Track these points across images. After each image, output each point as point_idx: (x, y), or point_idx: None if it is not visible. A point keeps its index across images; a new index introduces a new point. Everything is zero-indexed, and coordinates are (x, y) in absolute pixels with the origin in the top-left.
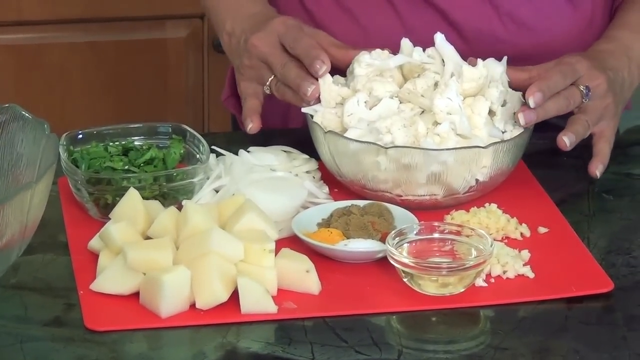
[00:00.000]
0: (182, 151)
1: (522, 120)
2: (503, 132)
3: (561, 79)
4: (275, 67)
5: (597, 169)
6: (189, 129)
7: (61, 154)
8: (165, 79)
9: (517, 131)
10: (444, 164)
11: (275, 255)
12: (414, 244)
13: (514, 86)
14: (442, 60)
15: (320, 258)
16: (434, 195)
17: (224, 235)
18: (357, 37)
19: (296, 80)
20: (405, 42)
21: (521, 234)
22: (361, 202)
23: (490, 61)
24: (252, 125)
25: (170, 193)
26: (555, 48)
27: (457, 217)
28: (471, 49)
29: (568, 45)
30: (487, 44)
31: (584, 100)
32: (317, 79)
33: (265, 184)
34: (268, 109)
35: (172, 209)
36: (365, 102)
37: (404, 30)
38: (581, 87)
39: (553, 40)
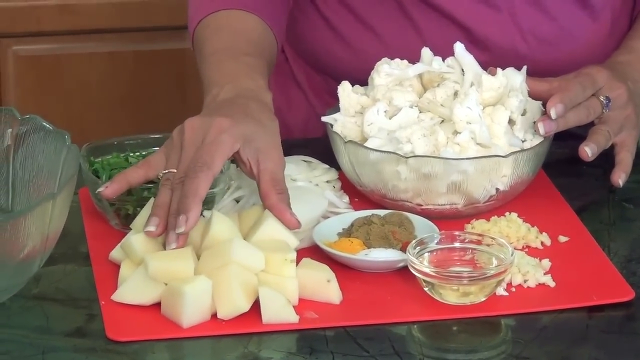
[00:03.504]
0: None
1: (542, 130)
2: (523, 141)
3: (581, 90)
4: (179, 169)
5: (619, 177)
6: None
7: (82, 164)
8: (184, 89)
9: (537, 140)
10: (464, 173)
11: (296, 265)
12: (434, 254)
13: (533, 97)
14: (462, 69)
15: (341, 268)
16: (454, 204)
17: (245, 245)
18: (379, 54)
19: (174, 212)
20: (426, 51)
21: (542, 242)
22: (382, 212)
23: (510, 70)
24: (106, 190)
25: None
26: (577, 61)
27: (478, 226)
28: (493, 65)
29: (589, 58)
30: (509, 61)
31: (604, 110)
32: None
33: None
34: (288, 119)
35: (200, 219)
36: (385, 111)
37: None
38: (601, 98)
39: (575, 54)
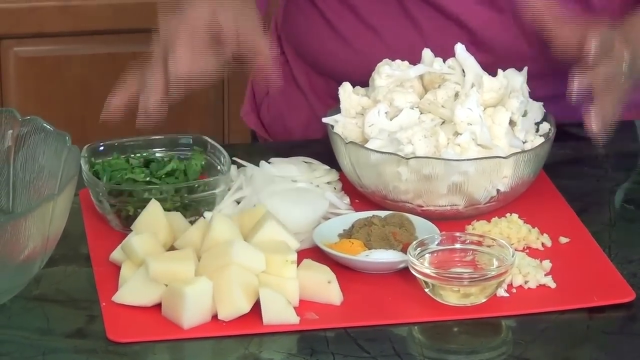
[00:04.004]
0: (203, 162)
1: (594, 127)
2: (524, 142)
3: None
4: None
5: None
6: (210, 140)
7: (82, 165)
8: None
9: (538, 141)
10: (465, 175)
11: (297, 266)
12: (435, 255)
13: (559, 48)
14: (463, 70)
15: (341, 269)
16: (455, 205)
17: (245, 246)
18: (380, 55)
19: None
20: (427, 52)
21: (542, 244)
22: (382, 213)
23: (511, 71)
24: (107, 112)
25: (191, 204)
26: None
27: (479, 227)
28: (495, 66)
29: None
30: (512, 62)
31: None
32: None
33: (287, 195)
34: (289, 121)
35: (203, 221)
36: (385, 112)
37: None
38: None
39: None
